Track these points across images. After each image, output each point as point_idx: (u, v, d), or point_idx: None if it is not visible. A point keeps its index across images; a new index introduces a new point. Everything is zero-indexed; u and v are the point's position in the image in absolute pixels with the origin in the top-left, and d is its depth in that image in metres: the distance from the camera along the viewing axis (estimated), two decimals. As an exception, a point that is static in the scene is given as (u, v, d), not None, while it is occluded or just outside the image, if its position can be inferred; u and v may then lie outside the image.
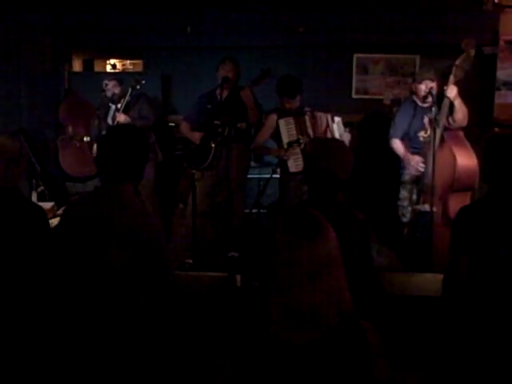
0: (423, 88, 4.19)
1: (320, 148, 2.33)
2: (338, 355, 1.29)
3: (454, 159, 3.86)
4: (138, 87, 4.77)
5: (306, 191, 3.98)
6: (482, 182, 2.39)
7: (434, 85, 4.14)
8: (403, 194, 4.40)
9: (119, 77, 5.08)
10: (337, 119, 4.33)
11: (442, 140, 3.95)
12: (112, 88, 4.86)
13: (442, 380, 2.33)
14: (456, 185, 3.89)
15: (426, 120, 4.18)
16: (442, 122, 3.93)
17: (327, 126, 4.33)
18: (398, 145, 4.39)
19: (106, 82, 4.93)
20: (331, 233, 1.36)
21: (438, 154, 3.87)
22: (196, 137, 4.55)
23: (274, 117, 4.39)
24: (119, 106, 4.76)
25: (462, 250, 2.26)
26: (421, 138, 4.25)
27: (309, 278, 1.28)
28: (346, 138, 4.29)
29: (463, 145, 3.95)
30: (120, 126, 2.50)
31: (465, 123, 4.08)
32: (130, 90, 4.77)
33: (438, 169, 3.82)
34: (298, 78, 4.41)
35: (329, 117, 4.35)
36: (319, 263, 1.29)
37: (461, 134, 4.05)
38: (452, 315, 2.33)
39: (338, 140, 3.14)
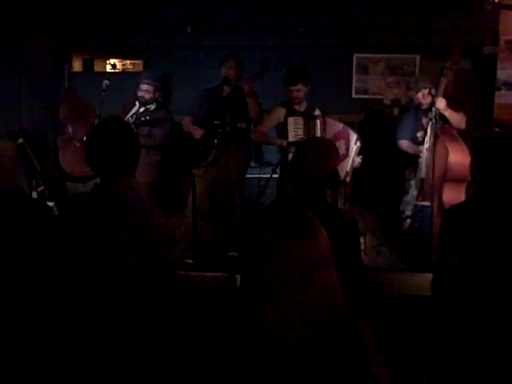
0: (420, 97, 4.39)
1: (305, 149, 2.32)
2: (331, 353, 1.28)
3: (447, 152, 4.03)
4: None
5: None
6: (471, 181, 2.39)
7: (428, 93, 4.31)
8: (407, 188, 4.51)
9: (158, 83, 4.83)
10: (359, 144, 4.22)
11: (437, 137, 4.10)
12: (144, 92, 4.68)
13: (441, 380, 2.34)
14: (449, 174, 4.04)
15: (424, 121, 4.31)
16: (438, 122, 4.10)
17: (347, 143, 4.23)
18: (406, 144, 4.52)
19: (141, 83, 4.72)
20: (321, 231, 1.35)
21: (434, 149, 4.06)
22: (197, 132, 4.52)
23: (281, 110, 4.37)
24: (141, 110, 4.68)
25: (450, 251, 2.27)
26: (420, 139, 4.36)
27: (301, 277, 1.28)
28: (356, 162, 4.23)
29: (456, 140, 4.11)
30: (104, 123, 2.44)
31: (463, 127, 4.26)
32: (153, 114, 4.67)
33: (432, 163, 4.02)
34: (303, 68, 4.40)
35: (354, 137, 4.22)
36: (311, 262, 1.29)
37: (454, 131, 4.21)
38: (441, 315, 2.33)
39: (324, 141, 3.09)
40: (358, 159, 4.23)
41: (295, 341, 1.27)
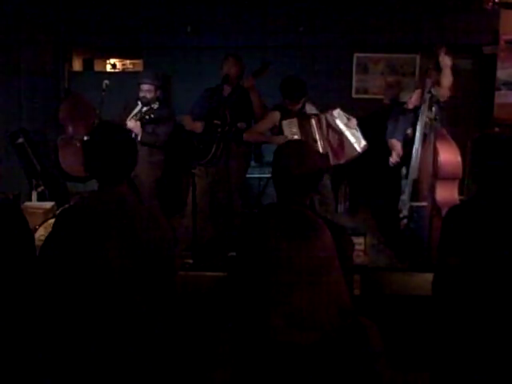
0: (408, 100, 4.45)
1: (280, 149, 2.31)
2: (339, 353, 1.28)
3: (437, 151, 4.09)
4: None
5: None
6: (472, 181, 2.39)
7: (416, 96, 4.37)
8: (403, 188, 4.50)
9: (158, 81, 4.76)
10: (335, 112, 4.24)
11: (427, 137, 4.17)
12: (145, 92, 4.64)
13: (442, 380, 2.34)
14: (440, 173, 4.09)
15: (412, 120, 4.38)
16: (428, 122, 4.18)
17: (328, 125, 4.27)
18: (396, 144, 4.53)
19: (141, 83, 4.68)
20: (326, 232, 1.35)
21: (424, 149, 4.16)
22: (197, 126, 4.51)
23: (276, 114, 4.35)
24: (144, 109, 4.68)
25: (451, 251, 2.26)
26: (410, 136, 4.40)
27: (308, 280, 1.28)
28: (353, 123, 4.25)
29: (445, 139, 4.18)
30: (102, 127, 2.40)
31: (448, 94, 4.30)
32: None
33: (425, 163, 4.12)
34: (301, 79, 4.35)
35: (328, 115, 4.26)
36: (318, 264, 1.29)
37: (443, 130, 4.28)
38: (443, 315, 2.33)
39: (302, 141, 3.07)
40: (352, 120, 4.24)
41: (303, 342, 1.27)
